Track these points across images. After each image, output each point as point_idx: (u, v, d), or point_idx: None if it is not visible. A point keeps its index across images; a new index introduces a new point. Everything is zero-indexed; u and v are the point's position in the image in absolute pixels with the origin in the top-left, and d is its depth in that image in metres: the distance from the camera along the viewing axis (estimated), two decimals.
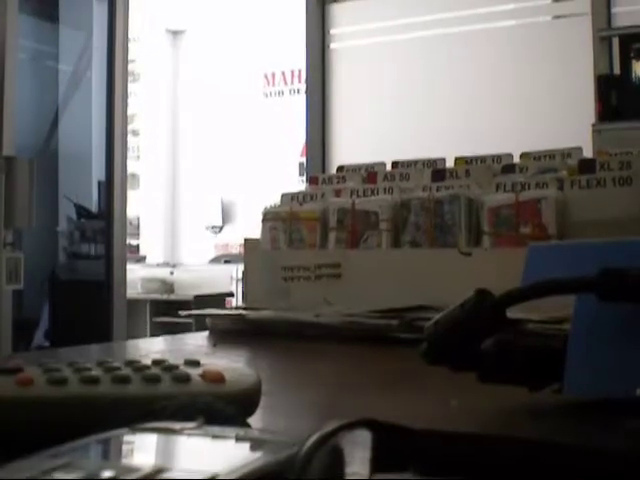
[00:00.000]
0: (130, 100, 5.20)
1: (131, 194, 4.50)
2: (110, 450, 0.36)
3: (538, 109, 4.23)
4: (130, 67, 5.30)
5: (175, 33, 9.45)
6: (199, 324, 1.34)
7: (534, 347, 0.60)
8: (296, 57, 5.13)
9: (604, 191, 1.22)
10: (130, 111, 5.18)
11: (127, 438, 0.37)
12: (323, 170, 4.68)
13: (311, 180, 1.60)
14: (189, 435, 0.37)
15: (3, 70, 4.40)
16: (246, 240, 1.49)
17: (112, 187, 5.04)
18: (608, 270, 0.53)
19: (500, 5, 4.49)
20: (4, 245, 4.17)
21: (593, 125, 3.75)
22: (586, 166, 1.31)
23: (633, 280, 0.52)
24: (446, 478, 0.38)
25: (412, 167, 1.52)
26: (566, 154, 1.45)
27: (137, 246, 9.17)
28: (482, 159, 1.49)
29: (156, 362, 0.53)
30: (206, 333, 1.27)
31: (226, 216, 9.09)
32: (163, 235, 9.38)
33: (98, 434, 0.36)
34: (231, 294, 7.26)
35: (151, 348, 1.21)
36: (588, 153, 1.56)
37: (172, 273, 8.25)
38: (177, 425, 0.38)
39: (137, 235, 9.15)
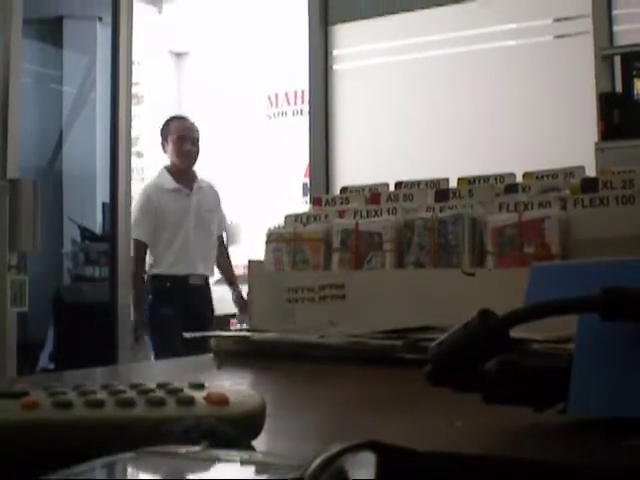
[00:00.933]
0: (134, 122, 5.21)
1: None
2: (115, 474, 0.36)
3: (541, 128, 4.24)
4: (134, 90, 5.32)
5: (178, 55, 9.48)
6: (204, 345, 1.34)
7: (538, 367, 0.60)
8: (299, 78, 5.15)
9: (607, 210, 1.22)
10: (134, 133, 5.20)
11: (132, 462, 0.37)
12: (327, 191, 4.69)
13: (314, 201, 1.60)
14: (194, 459, 0.37)
15: (7, 93, 4.42)
16: (250, 262, 1.49)
17: (116, 209, 5.04)
18: (610, 289, 0.53)
19: (502, 25, 4.50)
20: (8, 268, 4.17)
21: (596, 144, 3.75)
22: (589, 185, 1.31)
23: (635, 299, 0.52)
24: None
25: (415, 187, 1.52)
26: (569, 173, 1.45)
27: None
28: (485, 179, 1.50)
29: (160, 385, 0.53)
30: (210, 355, 1.27)
31: (230, 237, 9.09)
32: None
33: (103, 458, 0.37)
34: (235, 315, 7.25)
35: (155, 371, 1.21)
36: (591, 172, 1.57)
37: None
38: (182, 449, 0.38)
39: None
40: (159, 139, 4.84)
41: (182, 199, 4.72)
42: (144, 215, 4.72)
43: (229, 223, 5.00)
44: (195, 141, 4.76)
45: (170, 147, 4.75)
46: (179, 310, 4.58)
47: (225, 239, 5.17)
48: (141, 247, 4.74)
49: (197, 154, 4.79)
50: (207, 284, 4.86)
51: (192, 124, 4.86)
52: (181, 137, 4.72)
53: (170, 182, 4.75)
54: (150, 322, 4.69)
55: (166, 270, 4.68)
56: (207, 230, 4.77)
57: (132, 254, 4.76)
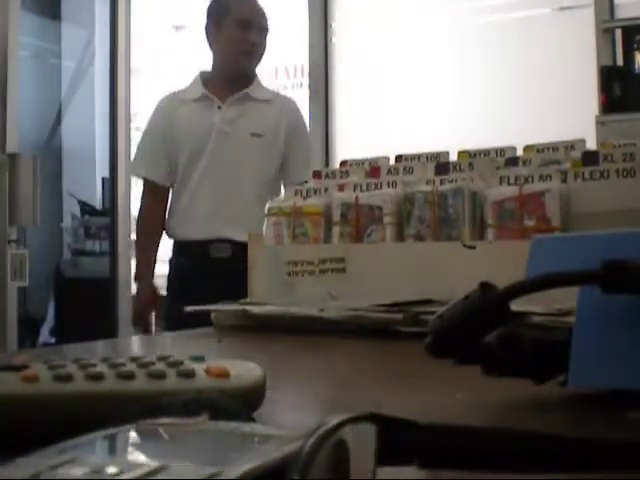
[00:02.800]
0: (133, 97, 5.19)
1: (135, 190, 4.45)
2: (116, 446, 0.36)
3: (541, 102, 4.23)
4: (133, 63, 5.29)
5: (177, 28, 9.44)
6: (204, 318, 1.34)
7: (538, 340, 0.60)
8: (298, 51, 5.13)
9: (608, 183, 1.22)
10: (133, 109, 5.18)
11: (132, 434, 0.37)
12: (326, 164, 4.68)
13: (314, 175, 1.60)
14: (194, 431, 0.37)
15: (6, 67, 4.40)
16: (250, 235, 1.49)
17: (116, 184, 5.05)
18: (611, 262, 0.53)
19: None
20: (8, 242, 4.17)
21: (597, 117, 3.74)
22: (589, 158, 1.31)
23: (636, 272, 0.52)
24: (451, 471, 0.38)
25: (416, 161, 1.52)
26: (569, 146, 1.45)
27: None
28: (485, 152, 1.49)
29: (161, 358, 0.53)
30: (211, 328, 1.27)
31: None
32: None
33: (103, 430, 0.37)
34: None
35: (156, 344, 1.22)
36: (592, 145, 1.56)
37: None
38: (182, 421, 0.38)
39: None
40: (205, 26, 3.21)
41: (207, 115, 3.09)
42: (148, 139, 3.21)
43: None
44: (263, 31, 3.15)
45: (224, 36, 3.11)
46: (197, 295, 3.00)
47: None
48: (150, 191, 3.20)
49: (262, 53, 3.18)
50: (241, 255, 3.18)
51: (261, 7, 3.22)
52: (244, 22, 3.09)
53: (197, 89, 3.15)
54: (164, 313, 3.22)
55: (180, 234, 3.12)
56: (248, 169, 3.07)
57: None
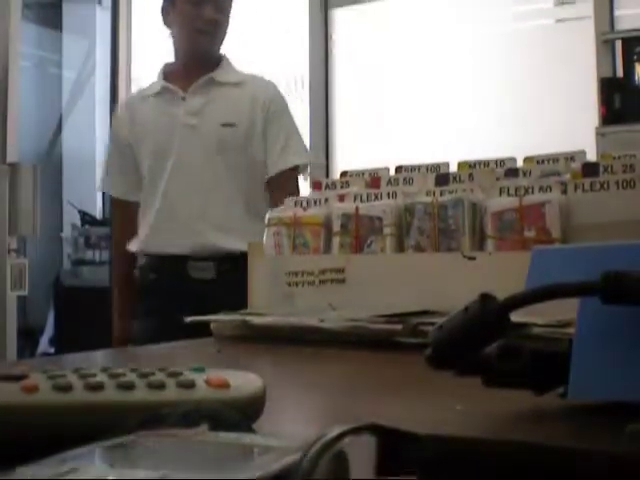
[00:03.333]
0: None
1: None
2: (115, 457, 0.36)
3: (541, 113, 4.23)
4: (133, 73, 5.30)
5: None
6: (204, 329, 1.34)
7: (539, 351, 0.60)
8: (299, 63, 5.13)
9: (608, 194, 1.22)
10: None
11: (132, 444, 0.37)
12: (327, 175, 4.68)
13: (315, 185, 1.60)
14: (194, 442, 0.37)
15: (7, 77, 4.41)
16: (250, 245, 1.49)
17: None
18: (611, 273, 0.53)
19: (503, 8, 4.49)
20: (8, 251, 4.17)
21: (597, 128, 3.75)
22: (589, 169, 1.31)
23: (636, 283, 0.52)
24: None
25: (416, 172, 1.52)
26: (570, 158, 1.45)
27: None
28: (485, 163, 1.49)
29: (161, 368, 0.53)
30: (211, 339, 1.27)
31: None
32: None
33: (103, 440, 0.37)
34: None
35: (156, 354, 1.21)
36: (592, 156, 1.56)
37: None
38: (182, 431, 0.38)
39: None
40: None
41: (169, 109, 2.68)
42: (112, 150, 2.83)
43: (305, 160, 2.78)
44: (221, 7, 2.71)
45: (177, 15, 2.71)
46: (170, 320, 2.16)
47: (299, 183, 2.79)
48: (117, 209, 2.90)
49: (224, 32, 2.75)
50: (231, 268, 2.48)
51: None
52: None
53: (157, 83, 2.76)
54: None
55: (149, 247, 2.64)
56: (224, 166, 2.62)
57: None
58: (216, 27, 2.71)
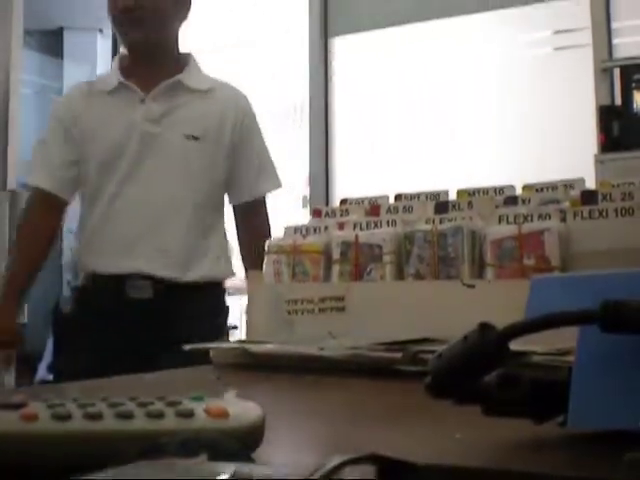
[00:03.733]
0: None
1: None
2: None
3: (540, 140, 4.24)
4: None
5: None
6: (203, 356, 1.33)
7: (538, 379, 0.60)
8: (299, 90, 5.15)
9: (607, 222, 1.22)
10: None
11: (131, 474, 0.37)
12: (326, 203, 4.69)
13: (314, 213, 1.60)
14: (193, 472, 0.37)
15: (7, 104, 4.43)
16: (250, 273, 1.49)
17: None
18: (609, 302, 0.53)
19: (501, 37, 4.51)
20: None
21: (596, 156, 3.76)
22: (588, 197, 1.31)
23: (635, 312, 0.52)
24: None
25: (415, 199, 1.52)
26: (568, 185, 1.45)
27: None
28: (485, 191, 1.50)
29: (159, 397, 0.53)
30: (210, 367, 1.26)
31: (231, 248, 9.08)
32: None
33: (102, 470, 0.36)
34: (234, 327, 7.23)
35: (154, 383, 1.21)
36: (591, 184, 1.57)
37: None
38: (181, 461, 0.38)
39: None
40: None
41: (125, 111, 2.34)
42: (46, 141, 2.43)
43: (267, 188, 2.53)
44: None
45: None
46: (106, 344, 2.24)
47: (265, 210, 2.55)
48: (37, 200, 2.43)
49: (157, 19, 2.33)
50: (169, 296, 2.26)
51: None
52: None
53: (113, 77, 2.40)
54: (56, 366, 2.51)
55: (88, 265, 2.33)
56: (181, 183, 2.32)
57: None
58: (134, 14, 2.30)
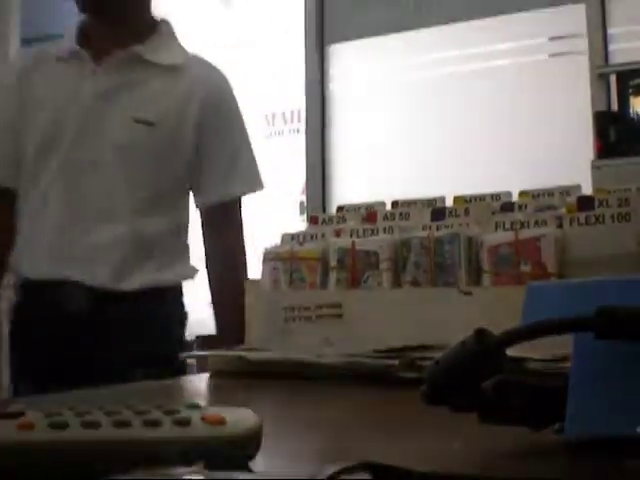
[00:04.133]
0: None
1: None
2: None
3: (537, 147, 4.25)
4: None
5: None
6: (201, 364, 1.34)
7: (535, 386, 0.60)
8: (295, 97, 5.15)
9: (603, 228, 1.23)
10: None
11: None
12: (323, 210, 4.69)
13: (311, 220, 1.60)
14: None
15: None
16: (247, 280, 1.49)
17: None
18: (604, 308, 0.53)
19: (497, 44, 4.52)
20: (5, 287, 4.16)
21: (592, 162, 3.76)
22: (585, 203, 1.32)
23: (630, 318, 0.52)
24: None
25: (412, 206, 1.52)
26: (565, 191, 1.45)
27: None
28: (481, 197, 1.50)
29: (157, 405, 0.53)
30: (207, 374, 1.27)
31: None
32: None
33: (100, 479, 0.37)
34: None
35: (151, 391, 1.21)
36: (588, 190, 1.57)
37: None
38: (178, 469, 0.38)
39: None
40: None
41: (72, 82, 1.96)
42: None
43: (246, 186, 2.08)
44: None
45: None
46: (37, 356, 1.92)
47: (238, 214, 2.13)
48: None
49: None
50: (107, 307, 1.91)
51: None
52: None
53: (68, 41, 2.01)
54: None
55: (20, 268, 2.01)
56: (126, 175, 1.93)
57: None
58: None
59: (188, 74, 1.99)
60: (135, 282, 1.91)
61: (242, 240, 2.09)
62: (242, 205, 2.10)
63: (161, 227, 1.97)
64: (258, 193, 2.09)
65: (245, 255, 2.07)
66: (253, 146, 2.12)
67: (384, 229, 1.40)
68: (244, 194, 2.08)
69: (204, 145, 1.97)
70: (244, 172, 2.06)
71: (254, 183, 2.10)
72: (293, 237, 1.50)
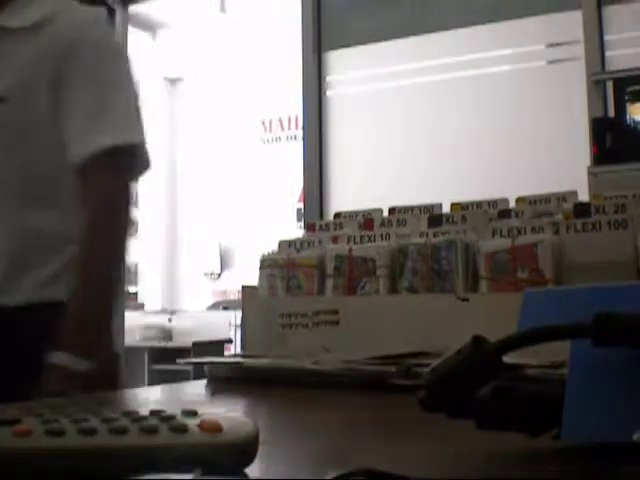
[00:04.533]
0: None
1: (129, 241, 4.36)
2: None
3: (533, 153, 4.25)
4: None
5: (172, 81, 9.51)
6: (198, 371, 1.33)
7: (532, 393, 0.60)
8: (293, 104, 5.16)
9: (599, 234, 1.23)
10: None
11: None
12: (320, 216, 4.69)
13: (308, 227, 1.61)
14: None
15: None
16: (244, 287, 1.49)
17: None
18: (601, 315, 0.53)
19: (494, 51, 4.53)
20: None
21: (589, 168, 3.76)
22: (581, 210, 1.32)
23: (625, 324, 0.53)
24: None
25: (409, 213, 1.53)
26: (561, 198, 1.46)
27: (136, 293, 9.15)
28: (478, 204, 1.50)
29: (154, 412, 0.53)
30: (204, 381, 1.26)
31: (224, 263, 9.11)
32: (161, 282, 9.37)
33: None
34: (230, 340, 7.24)
35: (149, 397, 1.21)
36: (585, 196, 1.57)
37: (170, 320, 8.22)
38: (175, 476, 0.38)
39: (136, 282, 9.14)
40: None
41: None
42: None
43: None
44: None
45: None
46: None
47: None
48: None
49: None
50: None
51: None
52: None
53: None
54: None
55: None
56: None
57: None
58: None
59: (46, 32, 1.65)
60: (17, 298, 1.65)
61: (108, 204, 1.64)
62: (122, 163, 1.67)
63: (41, 226, 1.68)
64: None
65: (116, 224, 1.65)
66: (126, 94, 1.71)
67: (381, 236, 1.40)
68: (110, 144, 1.63)
69: (61, 101, 1.63)
70: (110, 121, 1.65)
71: (123, 134, 1.67)
72: (290, 244, 1.50)
